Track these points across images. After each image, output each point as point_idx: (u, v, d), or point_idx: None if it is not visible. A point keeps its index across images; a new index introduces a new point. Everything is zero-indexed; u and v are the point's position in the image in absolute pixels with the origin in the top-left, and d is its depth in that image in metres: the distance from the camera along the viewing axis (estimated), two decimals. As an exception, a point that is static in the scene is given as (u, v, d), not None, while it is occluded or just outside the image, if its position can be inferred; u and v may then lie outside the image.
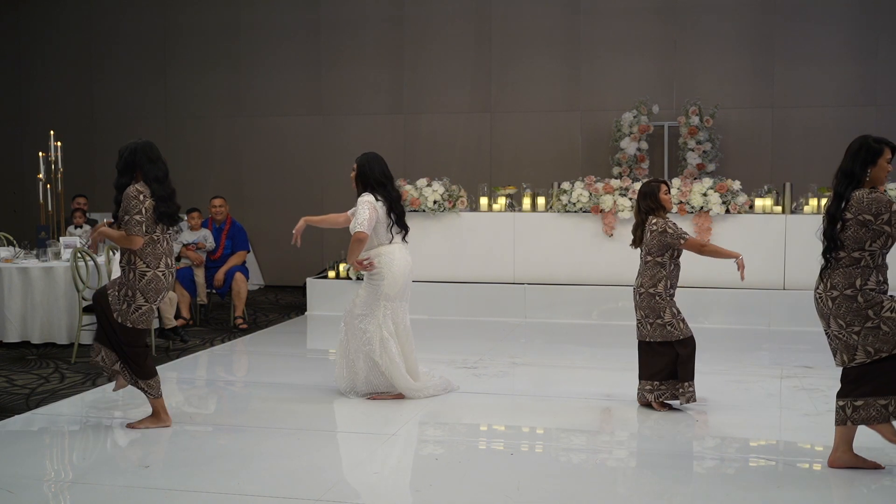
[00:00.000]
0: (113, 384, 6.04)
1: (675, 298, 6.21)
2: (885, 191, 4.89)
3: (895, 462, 5.04)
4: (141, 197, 5.61)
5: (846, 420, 4.86)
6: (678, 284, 6.26)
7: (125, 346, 5.67)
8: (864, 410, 4.81)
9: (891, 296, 4.81)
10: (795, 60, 12.40)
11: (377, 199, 6.38)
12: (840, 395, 4.91)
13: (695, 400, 6.14)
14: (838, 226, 4.78)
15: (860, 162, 4.78)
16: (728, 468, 5.14)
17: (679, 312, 6.17)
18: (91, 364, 5.99)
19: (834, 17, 12.29)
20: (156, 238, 5.69)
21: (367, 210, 6.31)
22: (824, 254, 4.88)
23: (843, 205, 4.77)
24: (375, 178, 6.44)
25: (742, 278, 6.15)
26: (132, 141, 5.81)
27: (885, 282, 4.83)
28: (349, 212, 6.57)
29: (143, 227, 5.59)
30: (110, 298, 5.69)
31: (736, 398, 6.63)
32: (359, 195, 6.47)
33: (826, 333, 4.96)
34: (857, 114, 12.29)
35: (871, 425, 4.82)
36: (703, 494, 4.76)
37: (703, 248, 6.28)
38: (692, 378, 6.13)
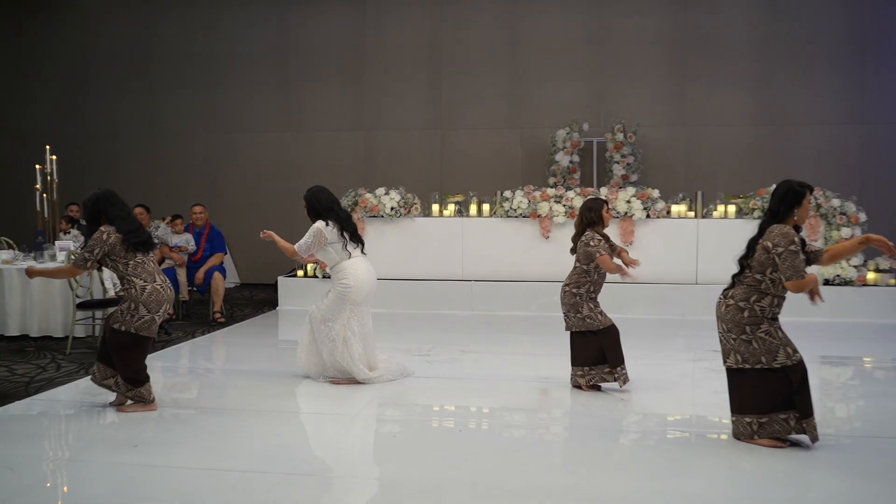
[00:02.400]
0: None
1: (597, 297, 6.27)
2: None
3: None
4: (104, 236, 5.58)
5: (753, 435, 4.94)
6: (604, 283, 6.32)
7: (124, 352, 5.63)
8: (769, 426, 4.89)
9: (771, 320, 4.88)
10: (705, 86, 12.60)
11: (327, 224, 6.40)
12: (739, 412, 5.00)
13: (628, 380, 6.20)
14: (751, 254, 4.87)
15: (786, 204, 4.84)
16: (649, 440, 5.21)
17: (597, 306, 6.22)
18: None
19: (737, 49, 12.50)
20: (140, 260, 5.66)
21: (311, 238, 6.37)
22: (734, 276, 4.97)
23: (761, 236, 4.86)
24: (323, 206, 6.46)
25: (635, 264, 6.19)
26: (92, 192, 5.75)
27: (777, 306, 4.89)
28: None
29: (87, 263, 5.59)
30: (112, 318, 5.68)
31: (655, 379, 6.70)
32: (313, 223, 6.51)
33: (718, 335, 5.08)
34: (757, 131, 12.52)
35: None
36: (627, 463, 4.82)
37: (611, 270, 6.19)
38: (623, 362, 6.19)
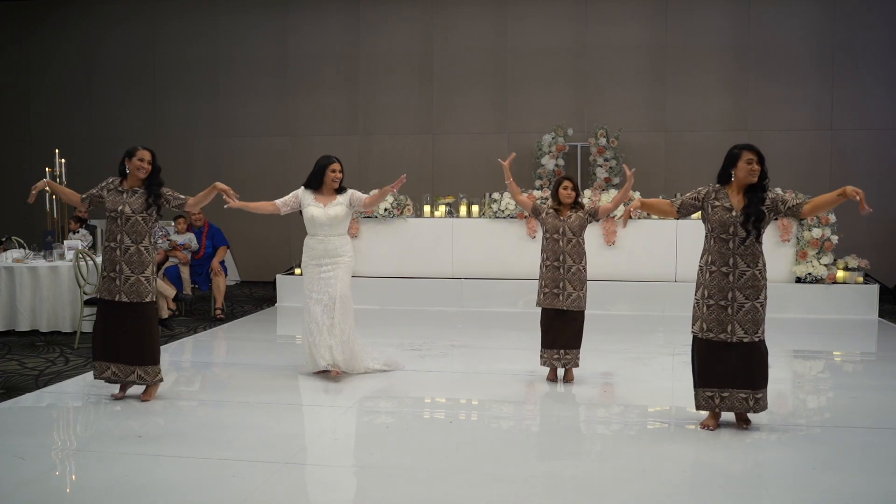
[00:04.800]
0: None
1: (554, 266, 6.11)
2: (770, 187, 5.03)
3: (762, 422, 5.19)
4: None
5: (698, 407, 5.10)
6: (558, 251, 6.18)
7: (150, 326, 5.73)
8: (698, 397, 5.04)
9: (709, 287, 4.90)
10: (683, 93, 12.62)
11: None
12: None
13: (561, 366, 6.24)
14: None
15: (724, 165, 5.05)
16: (630, 430, 5.21)
17: (547, 285, 6.11)
18: (101, 378, 5.77)
19: (714, 58, 12.53)
20: None
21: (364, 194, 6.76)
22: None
23: None
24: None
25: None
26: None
27: (713, 263, 4.90)
28: (344, 200, 6.91)
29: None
30: (140, 295, 5.66)
31: (636, 372, 6.74)
32: (343, 189, 6.94)
33: None
34: (733, 136, 12.39)
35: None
36: (610, 452, 4.84)
37: (516, 195, 6.49)
38: (553, 346, 6.21)
